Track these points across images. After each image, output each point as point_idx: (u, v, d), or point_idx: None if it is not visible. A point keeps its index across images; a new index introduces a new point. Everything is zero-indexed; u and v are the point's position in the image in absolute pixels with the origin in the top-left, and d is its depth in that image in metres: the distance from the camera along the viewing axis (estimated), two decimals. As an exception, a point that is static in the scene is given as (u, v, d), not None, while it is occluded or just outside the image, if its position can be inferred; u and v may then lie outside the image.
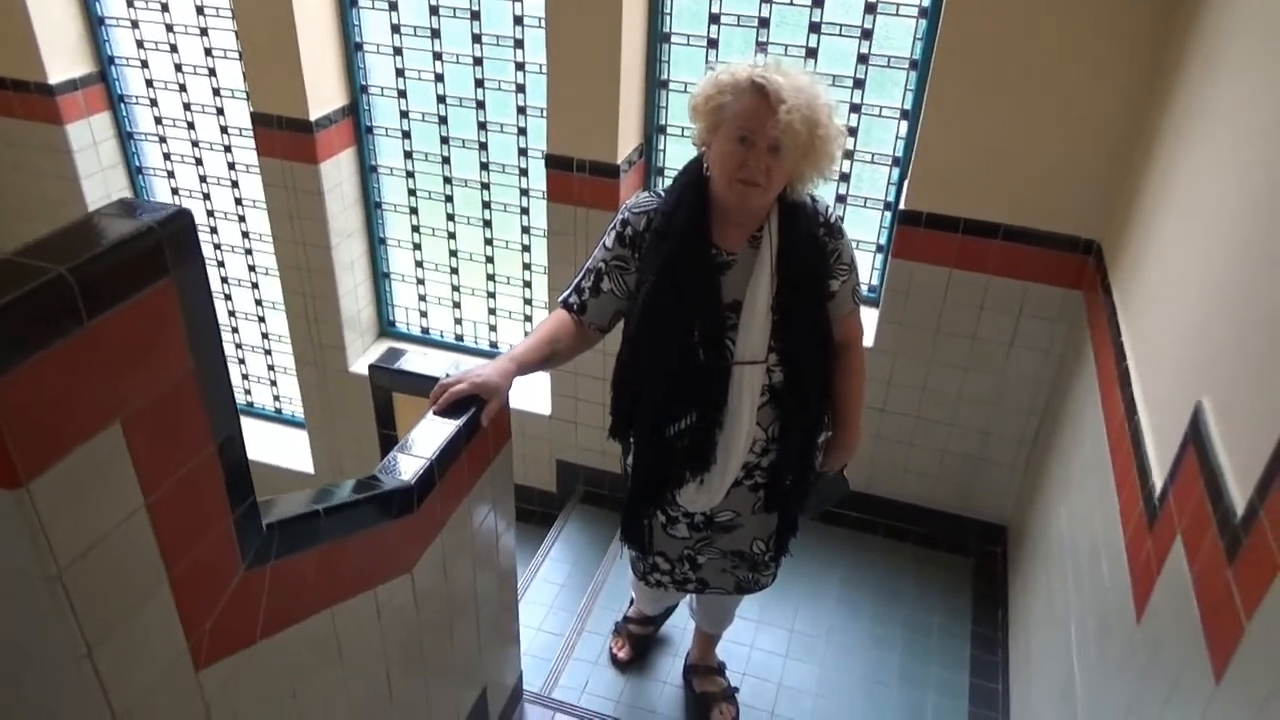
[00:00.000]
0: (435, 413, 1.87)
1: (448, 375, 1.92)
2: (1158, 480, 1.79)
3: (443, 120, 3.55)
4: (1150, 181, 2.38)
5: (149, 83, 3.90)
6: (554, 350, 2.02)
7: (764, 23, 3.01)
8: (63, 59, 3.74)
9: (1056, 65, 2.58)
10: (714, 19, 3.05)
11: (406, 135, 3.63)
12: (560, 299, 2.09)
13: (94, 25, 3.78)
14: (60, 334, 0.92)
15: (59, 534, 0.96)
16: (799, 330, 1.97)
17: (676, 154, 3.31)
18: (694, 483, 2.10)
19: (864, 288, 3.34)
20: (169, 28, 3.73)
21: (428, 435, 1.81)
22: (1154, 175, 2.36)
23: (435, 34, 3.38)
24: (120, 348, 0.99)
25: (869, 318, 3.21)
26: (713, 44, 3.08)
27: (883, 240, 3.27)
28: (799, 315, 1.96)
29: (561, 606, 3.23)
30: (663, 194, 1.99)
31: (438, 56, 3.43)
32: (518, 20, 3.26)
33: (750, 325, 1.93)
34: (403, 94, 3.54)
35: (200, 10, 3.63)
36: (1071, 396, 2.74)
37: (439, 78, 3.46)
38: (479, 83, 3.43)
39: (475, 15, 3.30)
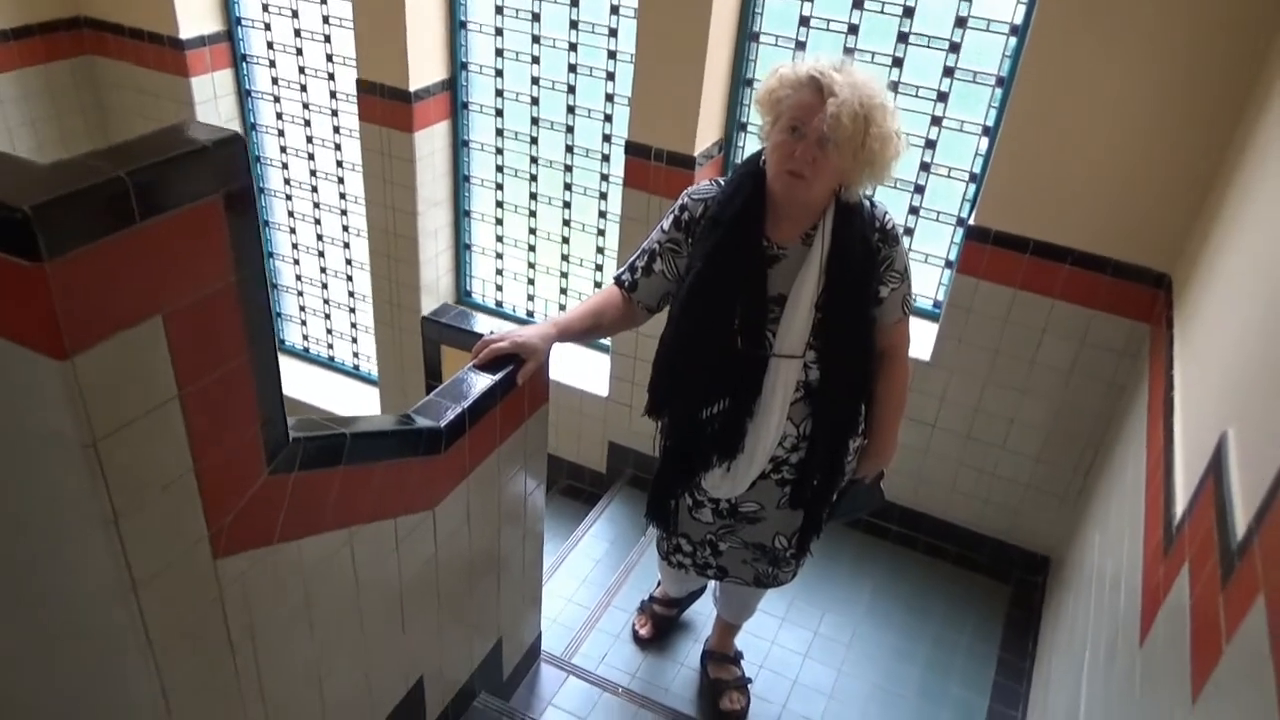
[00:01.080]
0: (475, 366, 1.97)
1: (491, 333, 2.02)
2: (1179, 509, 1.77)
3: (534, 101, 3.68)
4: (1220, 220, 2.33)
5: (269, 44, 4.15)
6: (598, 322, 2.11)
7: (853, 29, 3.03)
8: (195, 16, 4.00)
9: (1144, 96, 2.53)
10: (804, 21, 3.08)
11: (499, 113, 3.77)
12: (615, 275, 2.17)
13: (226, -11, 4.04)
14: (114, 228, 1.04)
15: (98, 407, 1.08)
16: (840, 331, 1.98)
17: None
18: (720, 469, 2.14)
19: (923, 300, 3.34)
20: (292, -6, 3.96)
21: (464, 384, 1.91)
22: (1224, 215, 2.31)
23: (535, 17, 3.51)
24: (167, 250, 1.11)
25: (928, 331, 3.20)
26: (800, 46, 3.12)
27: (952, 255, 3.25)
28: (842, 316, 1.97)
29: (594, 581, 3.32)
30: (724, 183, 2.03)
31: (535, 39, 3.55)
32: (614, 9, 3.35)
33: (792, 319, 1.95)
34: (499, 73, 3.68)
35: (322, -20, 3.85)
36: (1124, 428, 2.69)
37: (535, 60, 3.59)
38: (572, 68, 3.54)
39: (574, 2, 3.41)
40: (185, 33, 3.98)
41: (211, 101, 4.20)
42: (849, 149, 1.81)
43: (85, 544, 1.19)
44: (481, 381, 1.94)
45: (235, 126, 4.34)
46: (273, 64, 4.20)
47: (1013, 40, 2.84)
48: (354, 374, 4.79)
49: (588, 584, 3.31)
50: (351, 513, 1.64)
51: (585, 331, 2.13)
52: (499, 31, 3.60)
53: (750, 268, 1.95)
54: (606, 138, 3.62)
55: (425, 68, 3.61)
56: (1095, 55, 2.54)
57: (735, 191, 1.96)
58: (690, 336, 2.02)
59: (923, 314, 3.33)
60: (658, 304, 2.14)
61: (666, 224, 2.07)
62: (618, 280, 2.14)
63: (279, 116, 4.33)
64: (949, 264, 3.27)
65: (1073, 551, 2.92)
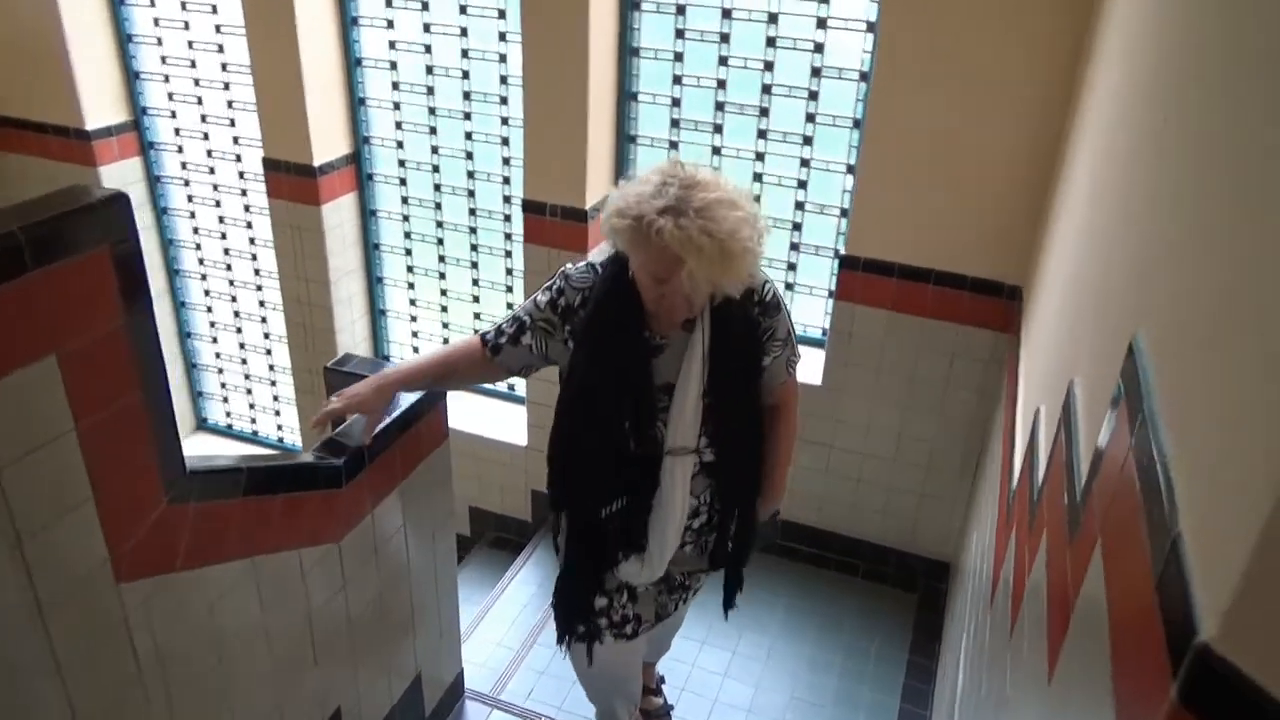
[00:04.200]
0: (314, 426, 1.98)
1: (332, 399, 2.00)
2: (1012, 484, 1.97)
3: (435, 169, 3.87)
4: (1048, 229, 2.60)
5: (177, 131, 4.29)
6: (449, 372, 2.06)
7: (721, 84, 3.30)
8: (101, 108, 4.14)
9: (980, 125, 2.82)
10: (677, 79, 3.35)
11: (403, 182, 3.96)
12: (480, 331, 2.06)
13: (130, 78, 4.18)
14: (9, 276, 1.18)
15: (1, 437, 1.21)
16: (730, 414, 1.98)
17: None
18: (631, 562, 2.08)
19: (812, 329, 3.56)
20: (196, 81, 4.12)
21: (358, 425, 2.04)
22: (1050, 223, 2.58)
23: (430, 91, 3.72)
24: (60, 295, 1.25)
25: (818, 357, 3.42)
26: (675, 103, 3.38)
27: (832, 285, 3.50)
28: (730, 400, 1.96)
29: (520, 623, 3.41)
30: (600, 270, 1.95)
31: (432, 111, 3.76)
32: (503, 80, 3.58)
33: (682, 409, 1.91)
34: (400, 144, 3.88)
35: (224, 67, 4.03)
36: (992, 430, 2.92)
37: (433, 130, 3.80)
38: (468, 135, 3.75)
39: (466, 75, 3.64)
40: (91, 124, 4.10)
41: (121, 189, 4.31)
42: (717, 274, 1.74)
43: (-10, 571, 1.29)
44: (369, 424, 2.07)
45: (146, 210, 4.44)
46: (180, 149, 4.33)
47: (863, 85, 3.13)
48: (278, 446, 4.85)
49: (514, 626, 3.40)
50: (254, 543, 1.75)
51: (434, 380, 2.09)
52: (396, 106, 3.81)
53: (634, 360, 1.91)
54: (506, 199, 3.82)
55: (329, 143, 3.79)
56: (932, 94, 2.83)
57: (609, 290, 1.89)
58: (580, 439, 1.98)
59: (812, 342, 3.56)
60: (520, 371, 2.06)
61: (542, 300, 1.98)
62: (482, 338, 2.02)
63: (190, 199, 4.45)
64: (830, 294, 3.52)
65: (963, 554, 3.12)
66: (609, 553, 2.07)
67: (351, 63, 3.76)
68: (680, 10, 3.23)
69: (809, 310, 3.57)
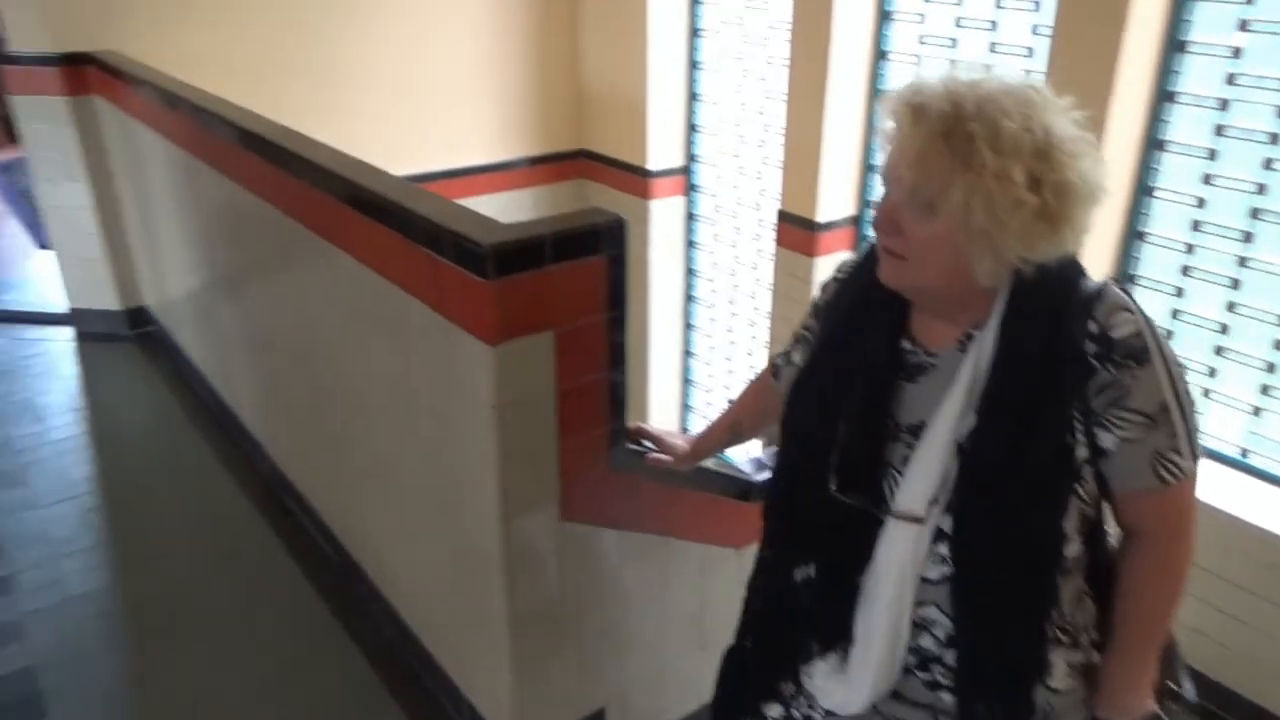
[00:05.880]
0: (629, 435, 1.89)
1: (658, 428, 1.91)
2: None
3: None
4: None
5: (715, 179, 4.97)
6: (736, 428, 1.75)
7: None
8: (663, 153, 4.96)
9: None
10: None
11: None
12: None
13: (688, 130, 4.96)
14: (534, 267, 1.60)
15: (504, 383, 1.64)
16: (991, 491, 1.21)
17: None
18: (825, 662, 1.37)
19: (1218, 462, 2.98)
20: (739, 138, 4.75)
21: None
22: None
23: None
24: (564, 287, 1.65)
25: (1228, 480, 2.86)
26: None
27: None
28: (999, 471, 1.20)
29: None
30: None
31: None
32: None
33: (924, 460, 1.24)
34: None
35: (764, 127, 4.59)
36: None
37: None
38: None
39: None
40: (653, 165, 4.94)
41: (662, 222, 5.11)
42: (954, 196, 1.11)
43: (482, 479, 1.75)
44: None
45: (679, 243, 5.20)
46: (714, 194, 5.01)
47: None
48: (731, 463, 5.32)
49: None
50: (669, 523, 2.06)
51: (723, 443, 1.78)
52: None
53: (871, 380, 1.29)
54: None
55: (835, 204, 4.12)
56: None
57: (859, 278, 1.37)
58: (784, 469, 1.44)
59: (1228, 461, 3.00)
60: None
61: (812, 303, 1.52)
62: (771, 363, 1.64)
63: (714, 238, 5.11)
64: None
65: None
66: (794, 637, 1.41)
67: (869, 132, 4.05)
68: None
69: (1225, 423, 3.05)
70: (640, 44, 4.73)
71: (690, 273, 5.30)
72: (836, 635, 1.34)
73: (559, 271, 1.63)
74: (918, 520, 1.24)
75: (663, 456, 1.83)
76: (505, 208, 5.04)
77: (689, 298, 5.36)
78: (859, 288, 1.35)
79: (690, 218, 5.18)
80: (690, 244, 5.24)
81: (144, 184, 3.68)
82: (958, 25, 3.60)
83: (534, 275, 1.61)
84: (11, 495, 3.10)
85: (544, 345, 1.67)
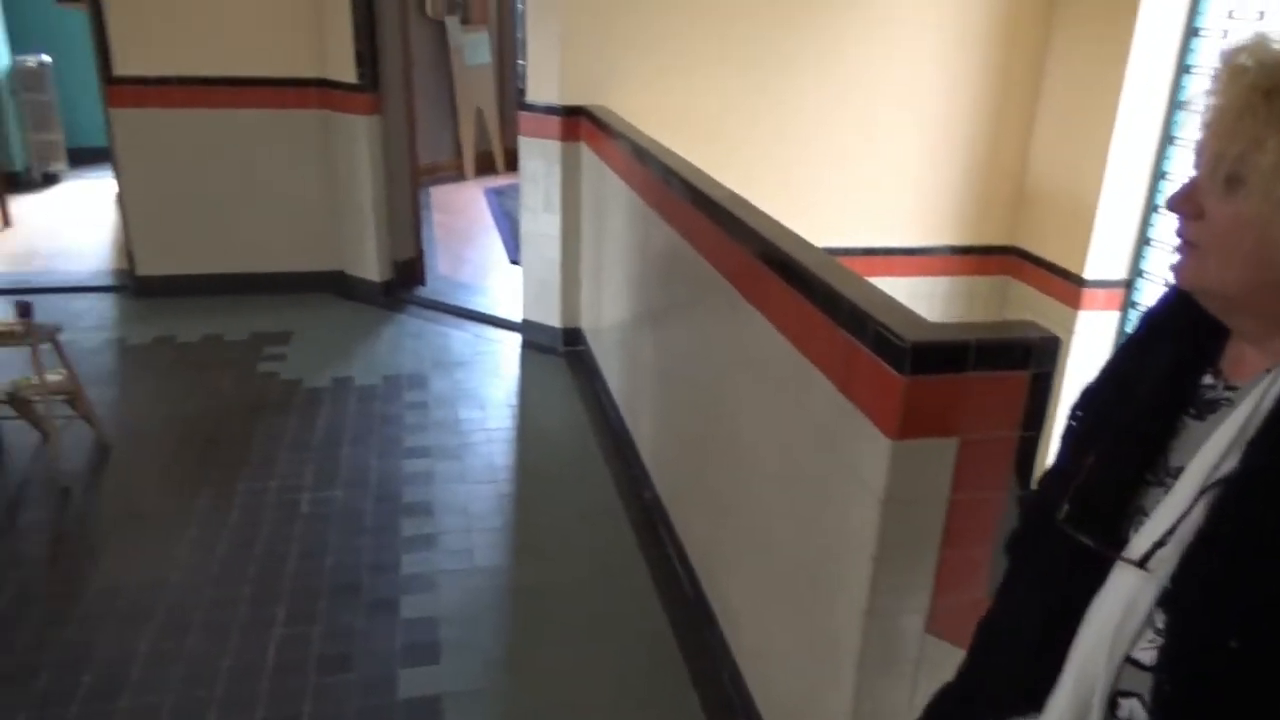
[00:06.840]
0: None
1: None
2: None
3: None
4: None
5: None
6: None
7: None
8: (1102, 262, 4.60)
9: None
10: None
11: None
12: None
13: (1140, 242, 4.55)
14: (952, 371, 1.58)
15: (896, 478, 1.63)
16: (1226, 561, 0.91)
17: None
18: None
19: None
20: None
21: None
22: None
23: None
24: (979, 397, 1.61)
25: None
26: None
27: None
28: (1247, 528, 0.90)
29: None
30: None
31: None
32: None
33: (1167, 505, 0.98)
34: None
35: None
36: None
37: None
38: None
39: None
40: (1089, 274, 4.59)
41: (1089, 334, 4.72)
42: (1264, 160, 0.89)
43: (854, 567, 1.75)
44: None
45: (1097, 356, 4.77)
46: (1158, 315, 4.53)
47: None
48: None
49: None
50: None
51: None
52: None
53: (1151, 412, 1.04)
54: None
55: None
56: None
57: (1171, 297, 1.15)
58: (1039, 489, 1.21)
59: None
60: None
61: None
62: None
63: (1147, 361, 4.62)
64: None
65: None
66: (990, 689, 1.16)
67: None
68: None
69: None
70: (1102, 147, 4.43)
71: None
72: (1022, 691, 1.07)
73: (978, 379, 1.60)
74: (1135, 563, 0.97)
75: None
76: (923, 294, 4.99)
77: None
78: (1163, 317, 1.12)
79: (1124, 336, 4.73)
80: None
81: (602, 222, 4.19)
82: None
83: (951, 379, 1.59)
84: (450, 467, 3.67)
85: (946, 451, 1.64)
